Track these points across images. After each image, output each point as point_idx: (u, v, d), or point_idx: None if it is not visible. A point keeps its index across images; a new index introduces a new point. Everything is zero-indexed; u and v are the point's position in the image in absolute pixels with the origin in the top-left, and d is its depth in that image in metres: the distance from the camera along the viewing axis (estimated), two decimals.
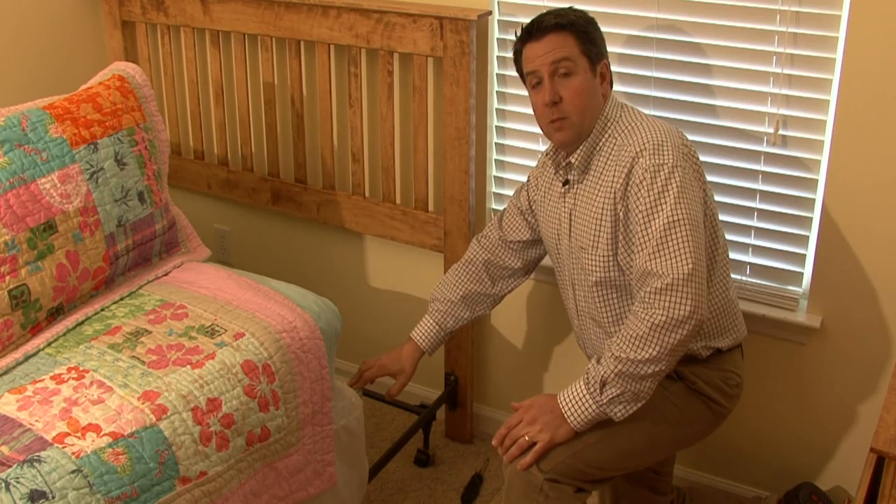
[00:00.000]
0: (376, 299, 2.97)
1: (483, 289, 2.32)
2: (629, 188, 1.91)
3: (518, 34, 2.03)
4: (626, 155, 1.93)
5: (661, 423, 1.99)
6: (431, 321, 2.35)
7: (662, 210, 1.85)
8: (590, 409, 1.88)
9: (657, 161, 1.88)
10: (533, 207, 2.23)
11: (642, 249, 1.87)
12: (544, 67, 1.96)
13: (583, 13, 2.01)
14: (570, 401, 1.91)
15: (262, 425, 1.97)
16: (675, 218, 1.84)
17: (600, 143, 2.00)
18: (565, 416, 1.91)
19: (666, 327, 1.80)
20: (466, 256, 2.35)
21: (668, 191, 1.86)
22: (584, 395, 1.89)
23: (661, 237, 1.84)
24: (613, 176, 1.94)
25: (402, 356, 2.37)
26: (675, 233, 1.83)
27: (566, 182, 2.07)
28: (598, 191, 1.98)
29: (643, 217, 1.87)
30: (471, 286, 2.32)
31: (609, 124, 2.00)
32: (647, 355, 1.82)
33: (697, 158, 1.98)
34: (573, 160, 2.02)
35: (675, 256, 1.82)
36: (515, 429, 1.96)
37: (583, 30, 1.97)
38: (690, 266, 1.81)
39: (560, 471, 1.93)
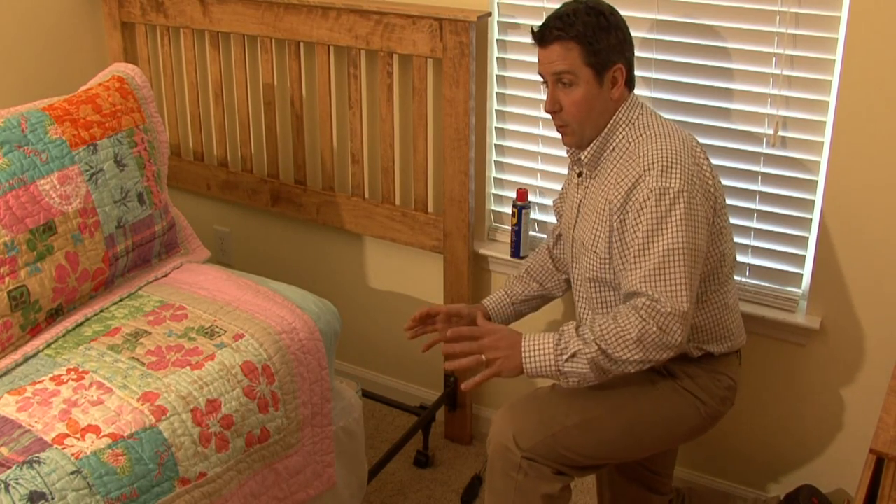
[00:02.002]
0: (376, 300, 2.97)
1: (547, 266, 2.31)
2: (629, 204, 1.90)
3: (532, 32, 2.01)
4: (633, 168, 1.91)
5: (643, 418, 2.00)
6: (501, 290, 2.32)
7: (663, 235, 1.84)
8: (547, 367, 1.89)
9: (663, 184, 1.86)
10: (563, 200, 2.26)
11: (636, 269, 1.86)
12: (547, 75, 1.98)
13: (595, 16, 1.94)
14: (533, 349, 1.90)
15: (261, 426, 1.97)
16: (675, 246, 1.83)
17: (611, 143, 2.00)
18: (523, 357, 1.91)
19: (655, 344, 1.82)
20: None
21: (671, 216, 1.85)
22: (548, 351, 1.89)
23: (659, 262, 1.83)
24: (617, 183, 1.93)
25: (471, 312, 2.29)
26: (674, 261, 1.83)
27: (580, 174, 2.09)
28: (602, 193, 1.98)
29: (642, 236, 1.86)
30: (537, 262, 2.31)
31: (621, 125, 1.99)
32: (628, 357, 1.83)
33: (707, 172, 1.96)
34: (583, 157, 2.03)
35: (675, 288, 1.82)
36: (475, 343, 1.95)
37: (588, 41, 1.92)
38: (686, 307, 1.82)
39: (538, 451, 1.95)
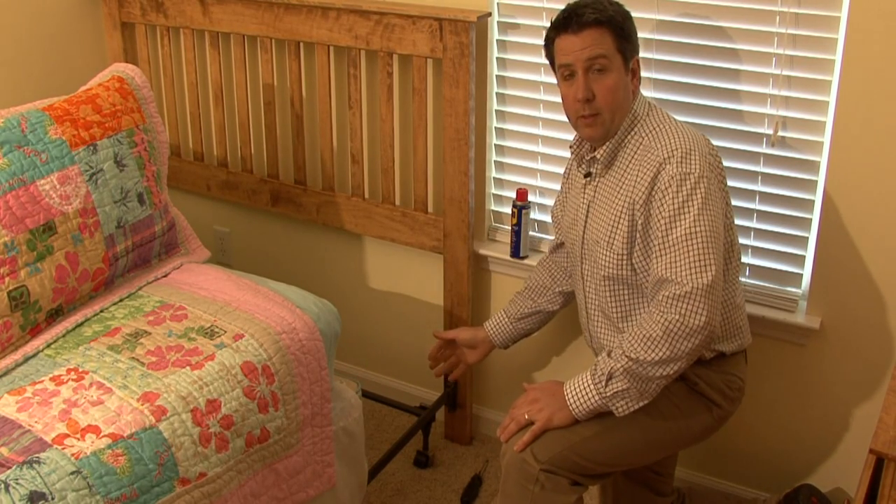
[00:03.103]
0: (376, 301, 2.97)
1: (543, 281, 2.36)
2: (653, 194, 1.90)
3: (554, 21, 1.98)
4: (652, 159, 1.92)
5: (659, 422, 1.99)
6: (501, 310, 2.41)
7: (684, 220, 1.85)
8: (592, 400, 1.91)
9: (684, 170, 1.87)
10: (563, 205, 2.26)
11: (661, 256, 1.86)
12: (579, 63, 1.93)
13: (619, 6, 1.96)
14: (575, 389, 1.93)
15: (261, 426, 1.97)
16: (696, 229, 1.84)
17: (626, 140, 1.99)
18: (568, 402, 1.93)
19: (680, 333, 1.81)
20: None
21: (692, 201, 1.85)
22: (588, 386, 1.91)
23: (680, 246, 1.84)
24: (637, 178, 1.93)
25: (476, 336, 2.45)
26: (696, 243, 1.83)
27: (588, 174, 2.08)
28: (619, 189, 1.97)
29: (665, 224, 1.87)
30: (534, 278, 2.37)
31: (637, 122, 1.99)
32: (657, 357, 1.83)
33: (722, 165, 1.98)
34: (598, 155, 2.02)
35: (696, 267, 1.82)
36: (517, 408, 2.01)
37: (620, 26, 1.93)
38: (710, 278, 1.82)
39: (556, 462, 1.94)
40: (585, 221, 2.07)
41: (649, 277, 1.92)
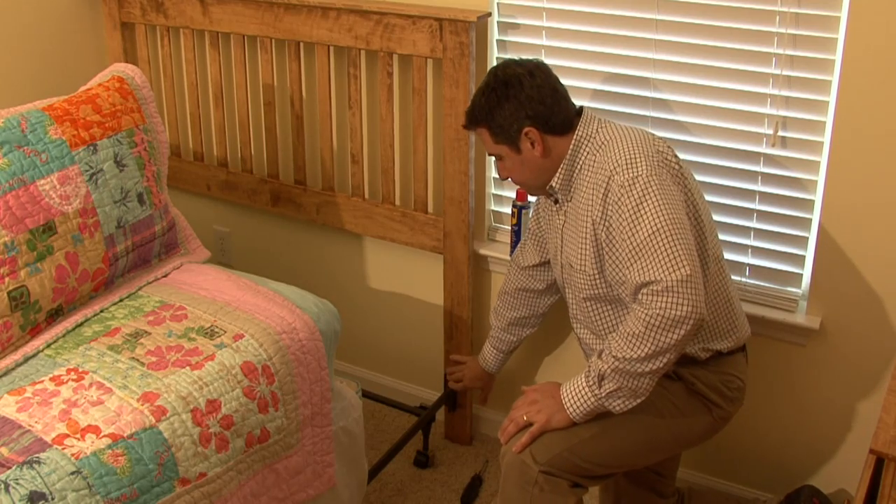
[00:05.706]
0: (376, 301, 2.97)
1: (521, 313, 2.44)
2: (608, 208, 1.91)
3: None
4: (602, 174, 1.94)
5: (658, 421, 1.99)
6: (490, 346, 2.55)
7: (644, 221, 1.85)
8: (588, 402, 1.91)
9: (631, 175, 1.88)
10: (542, 226, 2.27)
11: (632, 264, 1.86)
12: None
13: (488, 94, 2.02)
14: (571, 392, 1.94)
15: (261, 426, 1.97)
16: (659, 226, 1.83)
17: (577, 163, 2.02)
18: (564, 404, 1.94)
19: (662, 326, 1.80)
20: (502, 286, 2.47)
21: (646, 201, 1.86)
22: (583, 388, 1.92)
23: (648, 247, 1.83)
24: (592, 196, 1.95)
25: (476, 376, 2.63)
26: (663, 239, 1.83)
27: (556, 201, 2.10)
28: (581, 211, 2.00)
29: (627, 230, 1.86)
30: (511, 313, 2.45)
31: (583, 143, 2.01)
32: (642, 353, 1.82)
33: (676, 161, 1.97)
34: (553, 184, 2.05)
35: (669, 263, 1.81)
36: (516, 410, 2.03)
37: (487, 123, 2.03)
38: (687, 270, 1.81)
39: (555, 464, 1.94)
40: (561, 248, 2.09)
41: (625, 288, 1.91)
